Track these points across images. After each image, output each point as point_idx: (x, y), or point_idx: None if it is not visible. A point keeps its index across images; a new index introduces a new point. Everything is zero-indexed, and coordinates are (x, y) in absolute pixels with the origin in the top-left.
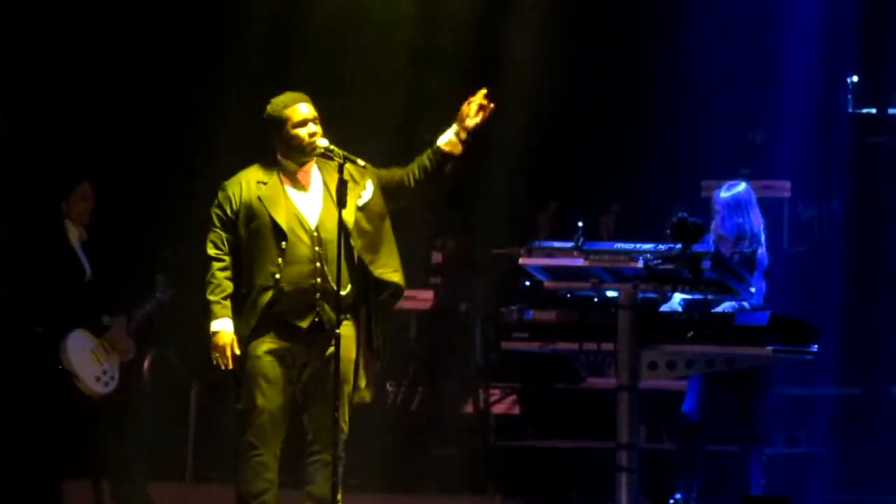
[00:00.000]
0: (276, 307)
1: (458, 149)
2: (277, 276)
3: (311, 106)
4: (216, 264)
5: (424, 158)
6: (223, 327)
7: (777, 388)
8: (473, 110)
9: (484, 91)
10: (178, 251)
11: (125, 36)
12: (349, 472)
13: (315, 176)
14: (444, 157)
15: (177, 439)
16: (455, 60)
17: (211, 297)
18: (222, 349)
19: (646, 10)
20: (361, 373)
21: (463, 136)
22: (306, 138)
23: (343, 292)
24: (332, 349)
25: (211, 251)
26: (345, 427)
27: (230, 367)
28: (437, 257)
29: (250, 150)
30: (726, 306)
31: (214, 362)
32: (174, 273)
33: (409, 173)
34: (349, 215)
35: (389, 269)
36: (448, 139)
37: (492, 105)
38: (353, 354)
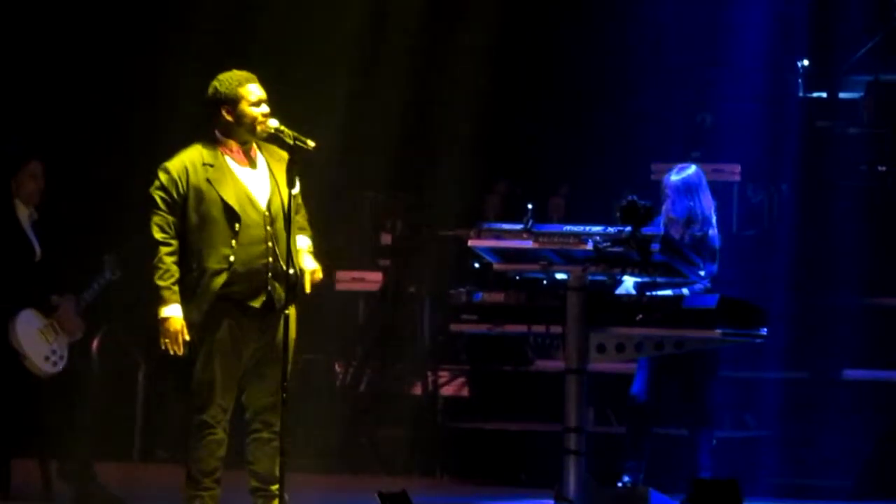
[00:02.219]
0: (229, 288)
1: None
2: (231, 258)
3: (261, 87)
4: (164, 248)
5: (299, 247)
6: (173, 313)
7: (725, 371)
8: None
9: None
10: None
11: (76, 14)
12: (296, 452)
13: (259, 156)
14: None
15: (124, 419)
16: (401, 43)
17: (160, 283)
18: (174, 335)
19: None
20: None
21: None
22: (259, 117)
23: (291, 271)
24: (280, 329)
25: (158, 235)
26: (279, 410)
27: (180, 353)
28: (385, 238)
29: (199, 129)
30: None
31: (163, 347)
32: (123, 253)
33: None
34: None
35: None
36: (310, 267)
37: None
38: (294, 335)
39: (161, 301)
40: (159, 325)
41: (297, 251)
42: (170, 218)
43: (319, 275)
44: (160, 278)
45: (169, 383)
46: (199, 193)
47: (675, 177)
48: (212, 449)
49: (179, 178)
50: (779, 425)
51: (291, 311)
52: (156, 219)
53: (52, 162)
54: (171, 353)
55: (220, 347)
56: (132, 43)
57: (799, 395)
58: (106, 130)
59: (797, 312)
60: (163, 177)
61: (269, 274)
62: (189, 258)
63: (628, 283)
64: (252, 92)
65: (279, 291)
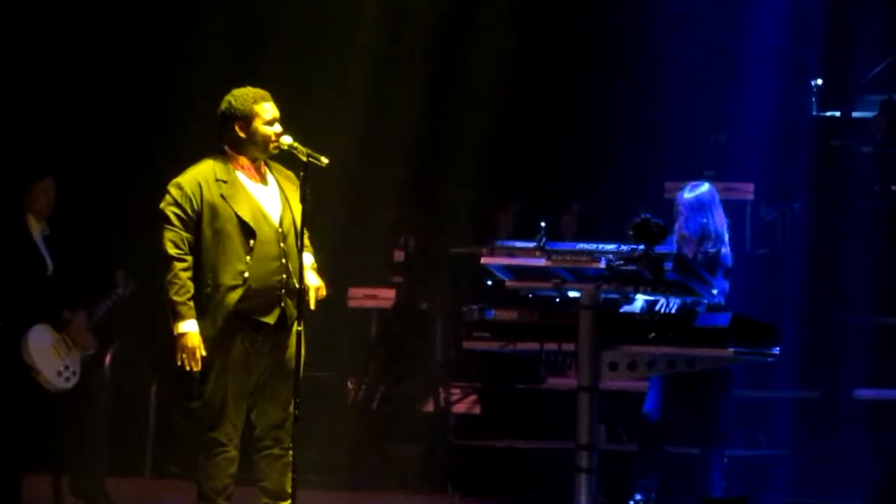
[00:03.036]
0: (243, 304)
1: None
2: (246, 274)
3: (274, 105)
4: (178, 264)
5: (304, 266)
6: (190, 328)
7: (737, 389)
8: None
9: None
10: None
11: (88, 30)
12: (309, 468)
13: (267, 173)
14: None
15: (137, 434)
16: (415, 61)
17: (176, 298)
18: (191, 351)
19: (611, 10)
20: None
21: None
22: (272, 136)
23: (301, 287)
24: (291, 346)
25: (172, 251)
26: (290, 427)
27: (197, 369)
28: (398, 255)
29: (211, 146)
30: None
31: (179, 363)
32: (135, 268)
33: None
34: (299, 213)
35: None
36: (314, 283)
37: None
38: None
39: (177, 317)
40: (175, 341)
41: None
42: (184, 234)
43: (324, 292)
44: (176, 294)
45: (176, 400)
46: (214, 209)
47: (688, 194)
48: (223, 466)
49: (193, 194)
50: (790, 444)
51: (302, 328)
52: (169, 235)
53: (64, 177)
54: (188, 368)
55: (232, 364)
56: (145, 57)
57: (811, 413)
58: (118, 145)
59: (809, 331)
60: (176, 193)
61: (283, 290)
62: (203, 274)
63: (637, 302)
64: (266, 110)
65: (291, 308)
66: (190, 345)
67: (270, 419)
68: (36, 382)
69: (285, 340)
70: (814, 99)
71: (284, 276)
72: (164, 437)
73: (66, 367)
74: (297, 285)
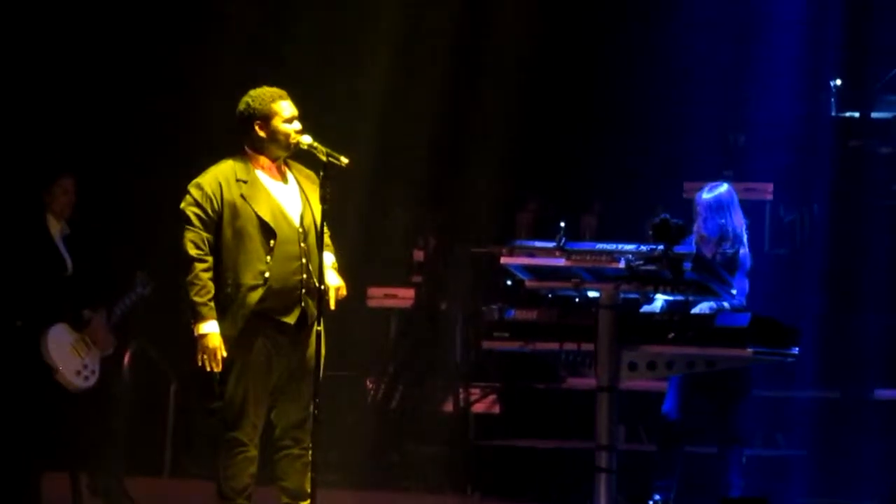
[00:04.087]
0: (264, 304)
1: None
2: (267, 273)
3: (292, 104)
4: (199, 265)
5: (324, 266)
6: (211, 329)
7: (756, 389)
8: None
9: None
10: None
11: (108, 29)
12: (327, 468)
13: (288, 173)
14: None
15: (156, 434)
16: (436, 60)
17: (197, 299)
18: (212, 352)
19: (631, 11)
20: None
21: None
22: (292, 134)
23: (323, 287)
24: (312, 346)
25: (192, 251)
26: (309, 426)
27: (218, 370)
28: (418, 255)
29: (231, 147)
30: (704, 307)
31: (200, 363)
32: (154, 268)
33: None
34: (319, 212)
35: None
36: (334, 283)
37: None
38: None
39: (198, 318)
40: (196, 341)
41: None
42: (204, 234)
43: (344, 291)
44: (196, 294)
45: (196, 401)
46: (234, 209)
47: (706, 195)
48: (244, 466)
49: (214, 194)
50: (809, 444)
51: (322, 328)
52: (189, 235)
53: (84, 176)
54: (209, 369)
55: (253, 364)
56: (165, 56)
57: (830, 414)
58: (137, 144)
59: (829, 331)
60: (196, 193)
61: (303, 290)
62: (224, 274)
63: (657, 302)
64: (285, 108)
65: (311, 308)
66: (211, 346)
67: (290, 419)
68: (55, 382)
69: (305, 340)
70: (833, 99)
71: (305, 275)
72: (183, 436)
73: (86, 367)
74: (317, 285)
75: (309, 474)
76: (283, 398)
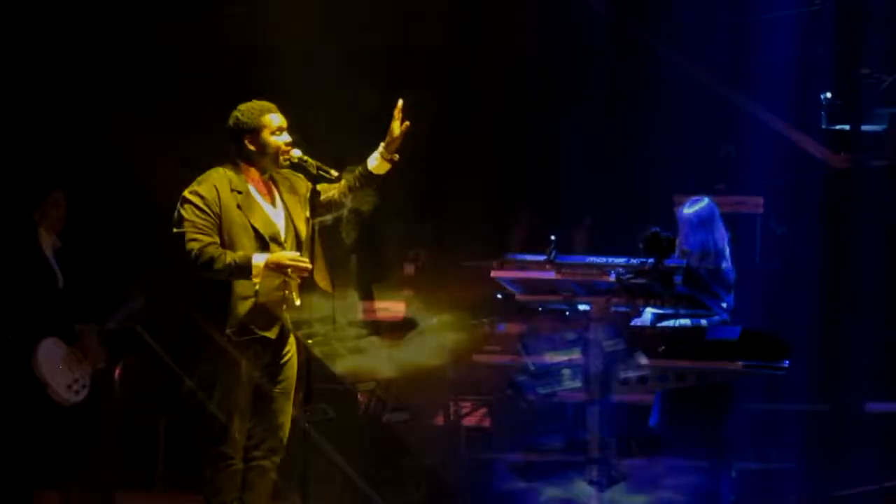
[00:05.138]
0: (250, 317)
1: (385, 168)
2: (256, 287)
3: (281, 115)
4: (209, 248)
5: (354, 178)
6: (263, 258)
7: (748, 403)
8: (400, 128)
9: (401, 103)
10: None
11: (99, 43)
12: (317, 483)
13: (273, 190)
14: (373, 177)
15: (147, 448)
16: (426, 73)
17: (229, 258)
18: (291, 262)
19: (622, 24)
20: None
21: (388, 155)
22: (282, 146)
23: (298, 303)
24: (286, 358)
25: (197, 245)
26: (284, 440)
27: (311, 266)
28: (409, 269)
29: (221, 158)
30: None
31: (291, 271)
32: (146, 282)
33: (341, 192)
34: (303, 226)
35: (321, 277)
36: (377, 161)
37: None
38: (297, 370)
39: (245, 262)
40: (273, 269)
41: (325, 271)
42: (206, 239)
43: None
44: (221, 259)
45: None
46: (230, 218)
47: (687, 210)
48: (232, 478)
49: (213, 200)
50: (800, 458)
51: (297, 344)
52: (191, 236)
53: (76, 191)
54: (302, 267)
55: (237, 377)
56: (163, 74)
57: (821, 427)
58: (128, 157)
59: (819, 345)
60: (196, 200)
61: (284, 305)
62: (218, 281)
63: (646, 315)
64: (273, 120)
65: (289, 323)
66: (283, 260)
67: (267, 432)
68: (46, 396)
69: (285, 354)
70: (823, 112)
71: (287, 292)
72: (175, 450)
73: (77, 381)
74: (296, 302)
75: (271, 490)
76: (262, 410)
